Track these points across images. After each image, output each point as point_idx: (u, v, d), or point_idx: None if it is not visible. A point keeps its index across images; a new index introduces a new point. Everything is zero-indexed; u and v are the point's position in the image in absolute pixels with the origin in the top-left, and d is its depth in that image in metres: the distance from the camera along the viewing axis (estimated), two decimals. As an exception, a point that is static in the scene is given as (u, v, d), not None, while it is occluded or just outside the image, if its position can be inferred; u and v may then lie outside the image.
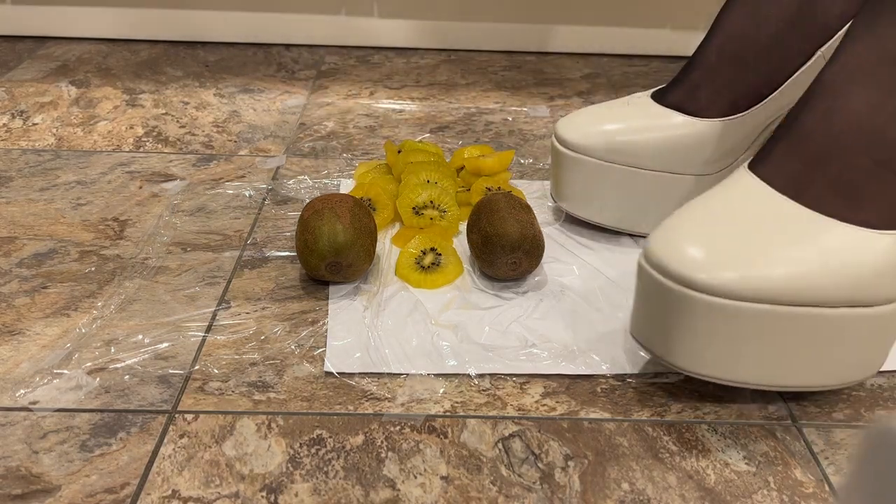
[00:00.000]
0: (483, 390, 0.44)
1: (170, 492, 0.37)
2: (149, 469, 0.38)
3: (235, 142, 0.72)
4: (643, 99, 0.56)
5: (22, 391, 0.43)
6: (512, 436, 0.41)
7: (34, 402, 0.42)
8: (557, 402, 0.43)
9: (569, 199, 0.57)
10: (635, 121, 0.54)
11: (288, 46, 0.97)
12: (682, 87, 0.55)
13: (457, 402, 0.43)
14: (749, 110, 0.54)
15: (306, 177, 0.66)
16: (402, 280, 0.52)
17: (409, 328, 0.48)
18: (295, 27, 0.96)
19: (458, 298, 0.51)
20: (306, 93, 0.84)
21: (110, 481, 0.37)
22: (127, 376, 0.44)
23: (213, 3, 0.95)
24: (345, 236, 0.49)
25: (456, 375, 0.44)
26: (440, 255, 0.53)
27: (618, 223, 0.57)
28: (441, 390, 0.43)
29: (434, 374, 0.44)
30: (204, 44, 0.97)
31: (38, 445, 0.39)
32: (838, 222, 0.38)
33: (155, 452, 0.39)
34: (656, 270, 0.39)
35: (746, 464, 0.40)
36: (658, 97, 0.56)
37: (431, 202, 0.56)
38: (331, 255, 0.49)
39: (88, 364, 0.44)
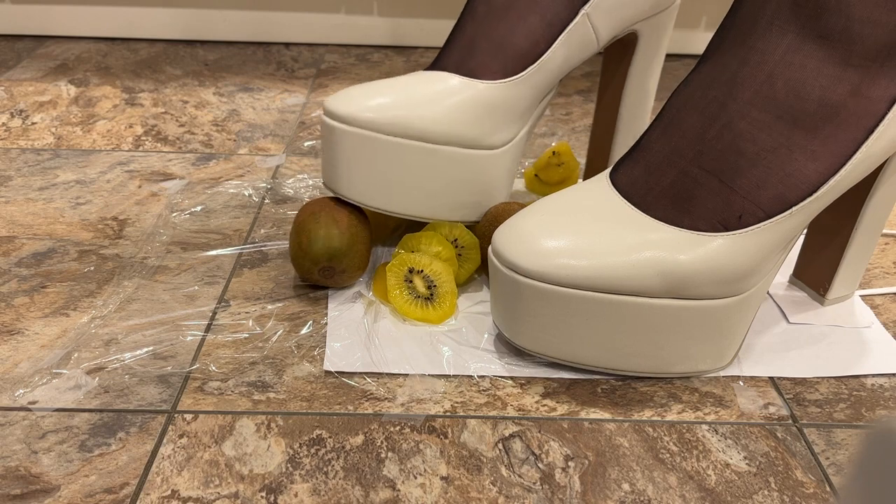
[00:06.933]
0: (483, 390, 0.43)
1: (169, 492, 0.37)
2: (148, 469, 0.38)
3: (235, 141, 0.72)
4: (412, 73, 0.52)
5: (21, 391, 0.42)
6: (512, 436, 0.41)
7: (33, 402, 0.42)
8: (558, 402, 0.43)
9: (346, 183, 0.50)
10: (412, 89, 0.49)
11: (287, 45, 0.97)
12: (456, 48, 0.51)
13: (457, 402, 0.43)
14: (525, 71, 0.50)
15: (306, 176, 0.66)
16: (405, 316, 0.48)
17: (409, 331, 0.48)
18: (294, 26, 0.96)
19: (458, 303, 0.50)
20: (306, 91, 0.84)
21: (109, 481, 0.37)
22: (126, 376, 0.44)
23: (212, 2, 0.94)
24: (340, 241, 0.48)
25: (456, 375, 0.44)
26: (429, 276, 0.48)
27: (410, 209, 0.51)
28: (441, 390, 0.43)
29: (434, 375, 0.44)
30: (203, 42, 0.97)
31: (37, 445, 0.39)
32: (665, 224, 0.41)
33: (154, 452, 0.39)
34: (496, 257, 0.43)
35: (747, 464, 0.39)
36: (431, 66, 0.52)
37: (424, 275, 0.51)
38: (325, 260, 0.48)
39: (87, 364, 0.44)
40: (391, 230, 0.57)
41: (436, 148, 0.49)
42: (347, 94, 0.49)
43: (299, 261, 0.49)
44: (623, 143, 0.60)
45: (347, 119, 0.48)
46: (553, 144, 0.65)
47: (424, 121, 0.48)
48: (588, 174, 0.64)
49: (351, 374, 0.44)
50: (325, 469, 0.38)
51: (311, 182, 0.65)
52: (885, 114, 0.40)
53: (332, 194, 0.52)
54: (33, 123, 0.74)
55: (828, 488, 0.38)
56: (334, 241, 0.48)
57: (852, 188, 0.44)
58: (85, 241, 0.56)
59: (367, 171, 0.49)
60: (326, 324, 0.48)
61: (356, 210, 0.51)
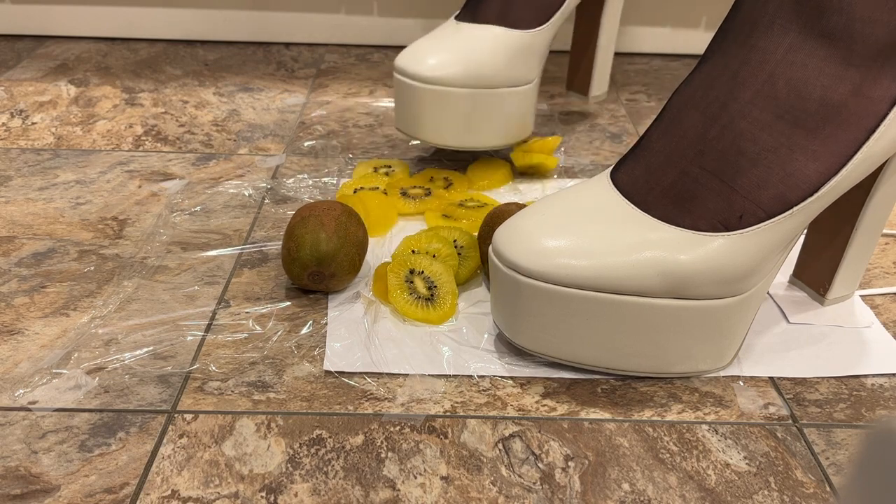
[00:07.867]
0: (483, 390, 0.43)
1: (169, 492, 0.37)
2: (148, 469, 0.38)
3: (235, 140, 0.72)
4: (455, 25, 0.63)
5: (21, 391, 0.42)
6: (512, 436, 0.41)
7: (33, 402, 0.42)
8: (558, 402, 0.43)
9: (420, 127, 0.62)
10: (473, 43, 0.61)
11: (287, 45, 0.97)
12: (494, 3, 0.62)
13: (457, 402, 0.43)
14: (553, 18, 0.63)
15: (306, 175, 0.66)
16: (405, 317, 0.48)
17: (409, 331, 0.48)
18: (294, 26, 0.96)
19: (458, 303, 0.50)
20: (306, 91, 0.84)
21: (109, 481, 0.37)
22: (126, 376, 0.44)
23: (212, 2, 0.94)
24: (328, 245, 0.48)
25: (456, 375, 0.44)
26: (429, 277, 0.49)
27: (476, 143, 0.63)
28: (441, 390, 0.43)
29: (434, 375, 0.44)
30: (203, 42, 0.97)
31: (38, 445, 0.39)
32: (666, 224, 0.41)
33: (154, 452, 0.39)
34: (496, 257, 0.43)
35: (747, 464, 0.39)
36: (469, 17, 0.63)
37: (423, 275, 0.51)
38: (313, 265, 0.48)
39: (87, 364, 0.44)
40: (389, 231, 0.57)
41: (496, 91, 0.61)
42: (417, 53, 0.60)
43: (289, 266, 0.49)
44: (603, 62, 0.76)
45: (422, 78, 0.59)
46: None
47: (489, 69, 0.60)
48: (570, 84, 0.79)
49: (351, 374, 0.44)
50: (325, 469, 0.38)
51: (311, 182, 0.65)
52: (886, 114, 0.40)
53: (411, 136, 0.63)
54: (33, 123, 0.74)
55: (828, 488, 0.38)
56: (321, 245, 0.48)
57: (853, 188, 0.44)
58: (85, 241, 0.56)
59: (440, 116, 0.61)
60: (326, 324, 0.48)
61: (346, 213, 0.50)
